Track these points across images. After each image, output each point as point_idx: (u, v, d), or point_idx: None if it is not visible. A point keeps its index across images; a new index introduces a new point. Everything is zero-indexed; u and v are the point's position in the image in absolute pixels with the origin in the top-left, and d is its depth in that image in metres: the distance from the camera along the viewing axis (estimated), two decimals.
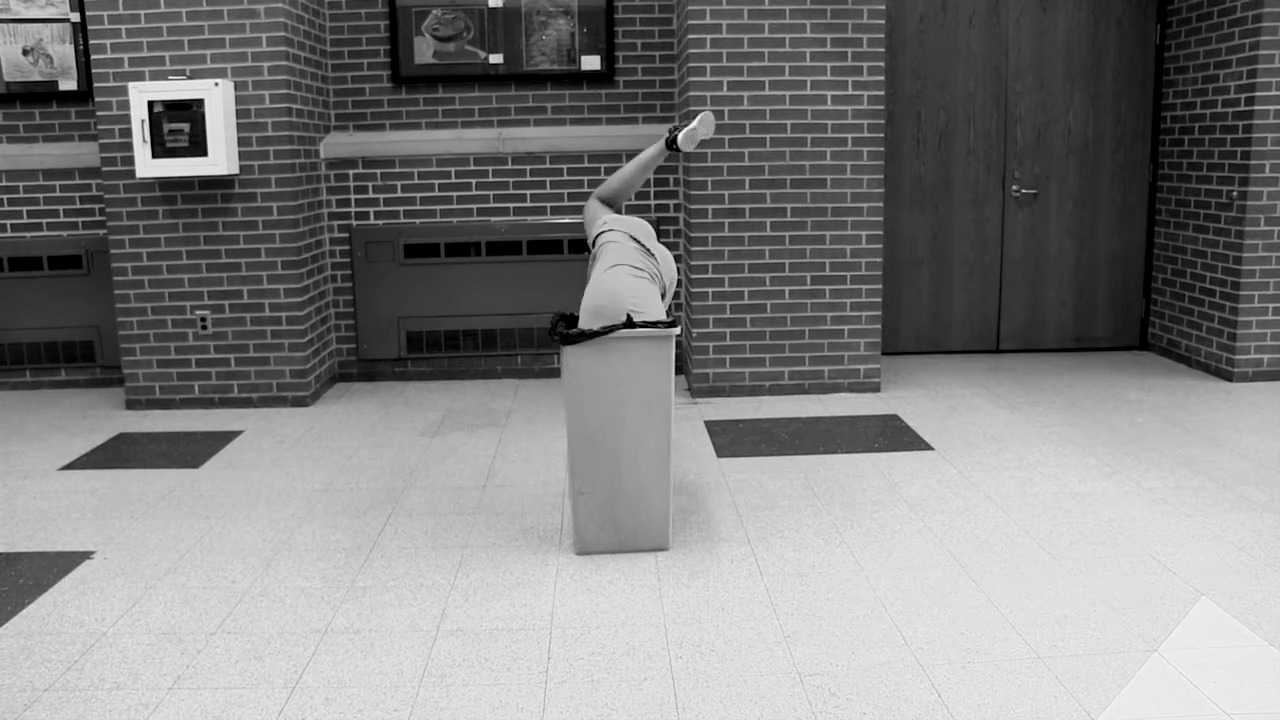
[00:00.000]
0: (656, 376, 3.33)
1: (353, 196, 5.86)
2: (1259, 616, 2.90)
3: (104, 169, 5.28)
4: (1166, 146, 6.25)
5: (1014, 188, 6.31)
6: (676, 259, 5.92)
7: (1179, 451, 4.44)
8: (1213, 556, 3.33)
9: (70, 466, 4.51)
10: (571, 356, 3.30)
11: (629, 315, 3.32)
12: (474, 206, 5.88)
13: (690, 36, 5.25)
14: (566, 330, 3.31)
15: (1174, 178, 6.17)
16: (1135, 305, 6.51)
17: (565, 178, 5.87)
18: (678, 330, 3.33)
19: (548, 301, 5.86)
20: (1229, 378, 5.68)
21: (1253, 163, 5.45)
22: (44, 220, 5.80)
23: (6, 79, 5.71)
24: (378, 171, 5.84)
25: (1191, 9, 5.95)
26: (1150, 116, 6.31)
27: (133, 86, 5.00)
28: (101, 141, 5.26)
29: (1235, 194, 5.58)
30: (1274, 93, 5.41)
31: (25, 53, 5.69)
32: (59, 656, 2.79)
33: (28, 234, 5.79)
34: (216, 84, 5.02)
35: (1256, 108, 5.42)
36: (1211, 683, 2.55)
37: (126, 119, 5.20)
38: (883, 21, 5.28)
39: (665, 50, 5.86)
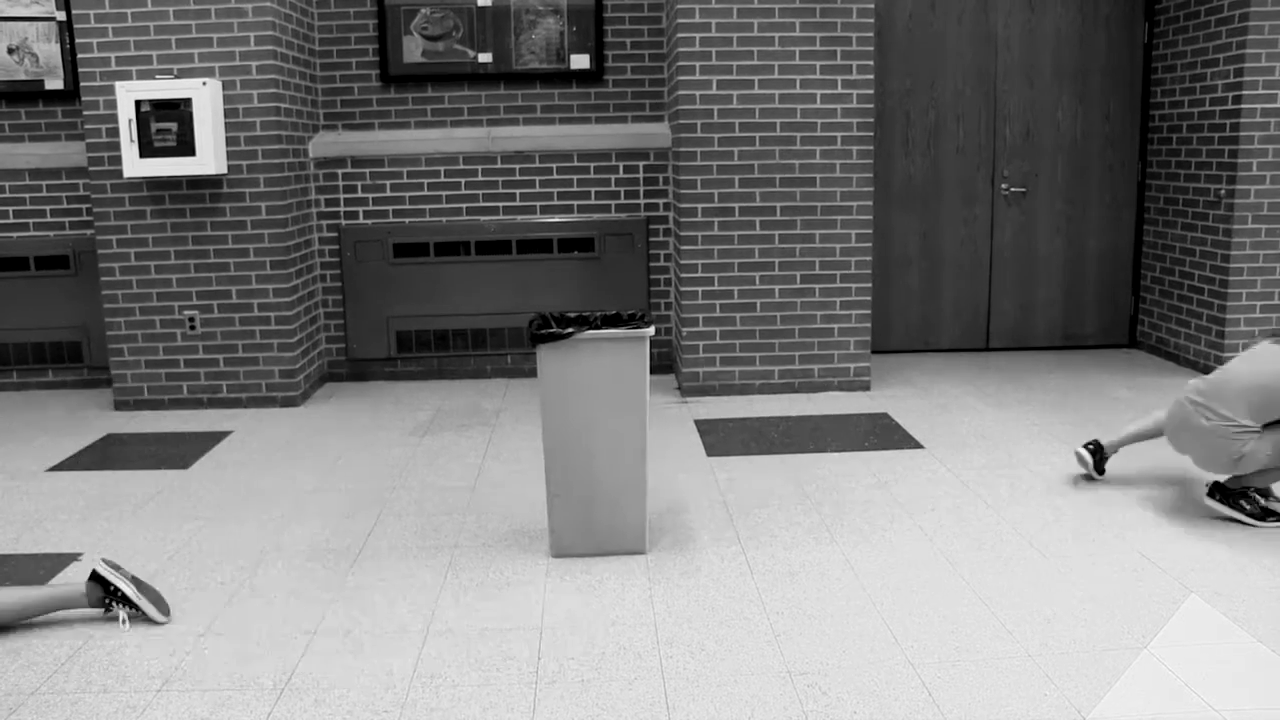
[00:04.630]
0: (631, 378, 3.30)
1: (341, 196, 5.84)
2: (1247, 613, 2.91)
3: (91, 168, 5.25)
4: (1155, 145, 6.27)
5: (1003, 186, 6.32)
6: (666, 258, 5.92)
7: (1168, 449, 4.44)
8: (1201, 553, 3.34)
9: (58, 468, 4.48)
10: (545, 356, 3.29)
11: (599, 314, 3.34)
12: (463, 206, 5.86)
13: (679, 35, 5.24)
14: (539, 330, 3.29)
15: (1162, 176, 6.19)
16: (1124, 303, 6.52)
17: (554, 177, 5.86)
18: (651, 331, 3.31)
19: (537, 301, 5.84)
20: None
21: (1240, 161, 5.47)
22: (30, 220, 5.76)
23: None
24: (367, 171, 5.82)
25: (1179, 8, 5.97)
26: (1138, 115, 6.33)
27: (120, 85, 4.98)
28: (88, 141, 5.23)
29: (1222, 192, 5.60)
30: (1260, 91, 5.43)
31: (11, 51, 5.65)
32: (45, 660, 2.77)
33: (14, 234, 5.76)
34: (204, 83, 4.99)
35: (1243, 106, 5.44)
36: (1200, 679, 2.56)
37: (114, 118, 5.17)
38: (872, 20, 5.28)
39: (654, 49, 5.85)
